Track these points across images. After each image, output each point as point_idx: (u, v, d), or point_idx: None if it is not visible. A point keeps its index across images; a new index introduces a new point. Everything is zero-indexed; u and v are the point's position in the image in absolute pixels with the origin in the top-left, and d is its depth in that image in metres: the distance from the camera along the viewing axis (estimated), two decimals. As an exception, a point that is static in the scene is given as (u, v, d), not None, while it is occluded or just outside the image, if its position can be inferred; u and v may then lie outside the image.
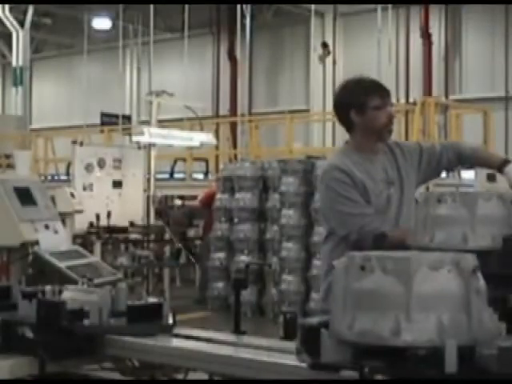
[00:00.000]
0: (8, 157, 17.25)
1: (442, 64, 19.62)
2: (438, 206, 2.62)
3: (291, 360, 2.39)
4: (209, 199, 12.38)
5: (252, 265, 9.39)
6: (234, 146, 17.91)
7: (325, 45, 20.94)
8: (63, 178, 17.83)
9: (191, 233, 14.87)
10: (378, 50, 17.84)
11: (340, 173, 3.37)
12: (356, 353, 2.20)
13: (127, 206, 12.24)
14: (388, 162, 3.51)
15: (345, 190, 3.34)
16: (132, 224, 11.90)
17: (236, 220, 11.15)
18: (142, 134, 13.72)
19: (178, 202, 16.49)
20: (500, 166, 3.39)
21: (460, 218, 2.54)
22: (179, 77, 19.88)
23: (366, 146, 3.47)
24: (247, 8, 19.63)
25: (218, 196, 11.59)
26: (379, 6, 18.00)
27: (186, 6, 19.74)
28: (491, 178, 9.93)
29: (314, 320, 2.32)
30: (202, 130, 15.96)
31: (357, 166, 3.40)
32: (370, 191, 3.37)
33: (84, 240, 10.64)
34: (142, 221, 12.53)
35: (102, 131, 18.61)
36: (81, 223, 10.95)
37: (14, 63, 20.97)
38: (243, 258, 10.77)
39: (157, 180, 14.72)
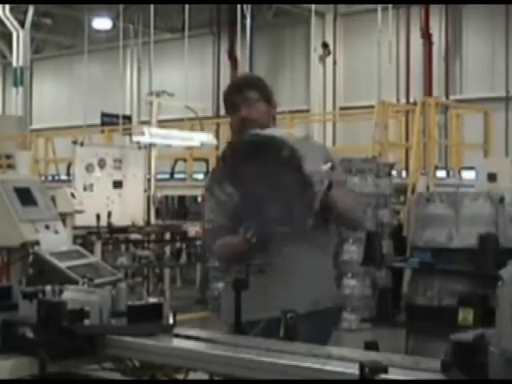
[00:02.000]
0: (8, 157, 17.28)
1: (442, 64, 19.61)
2: (427, 206, 2.63)
3: (291, 360, 2.39)
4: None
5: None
6: (235, 146, 17.88)
7: (325, 45, 20.93)
8: (64, 178, 17.86)
9: (192, 232, 14.87)
10: (378, 50, 17.83)
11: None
12: None
13: (128, 207, 12.25)
14: None
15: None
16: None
17: (236, 220, 11.13)
18: (142, 134, 13.73)
19: None
20: None
21: (446, 218, 2.54)
22: (179, 77, 19.88)
23: None
24: (247, 8, 19.64)
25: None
26: (379, 6, 17.99)
27: (186, 6, 19.73)
28: (492, 178, 9.91)
29: (467, 335, 2.20)
30: (202, 130, 15.96)
31: None
32: None
33: (84, 240, 10.64)
34: (143, 221, 12.54)
35: (102, 131, 18.61)
36: (82, 223, 10.96)
37: (14, 63, 20.97)
38: (243, 258, 10.75)
39: (157, 180, 14.73)
